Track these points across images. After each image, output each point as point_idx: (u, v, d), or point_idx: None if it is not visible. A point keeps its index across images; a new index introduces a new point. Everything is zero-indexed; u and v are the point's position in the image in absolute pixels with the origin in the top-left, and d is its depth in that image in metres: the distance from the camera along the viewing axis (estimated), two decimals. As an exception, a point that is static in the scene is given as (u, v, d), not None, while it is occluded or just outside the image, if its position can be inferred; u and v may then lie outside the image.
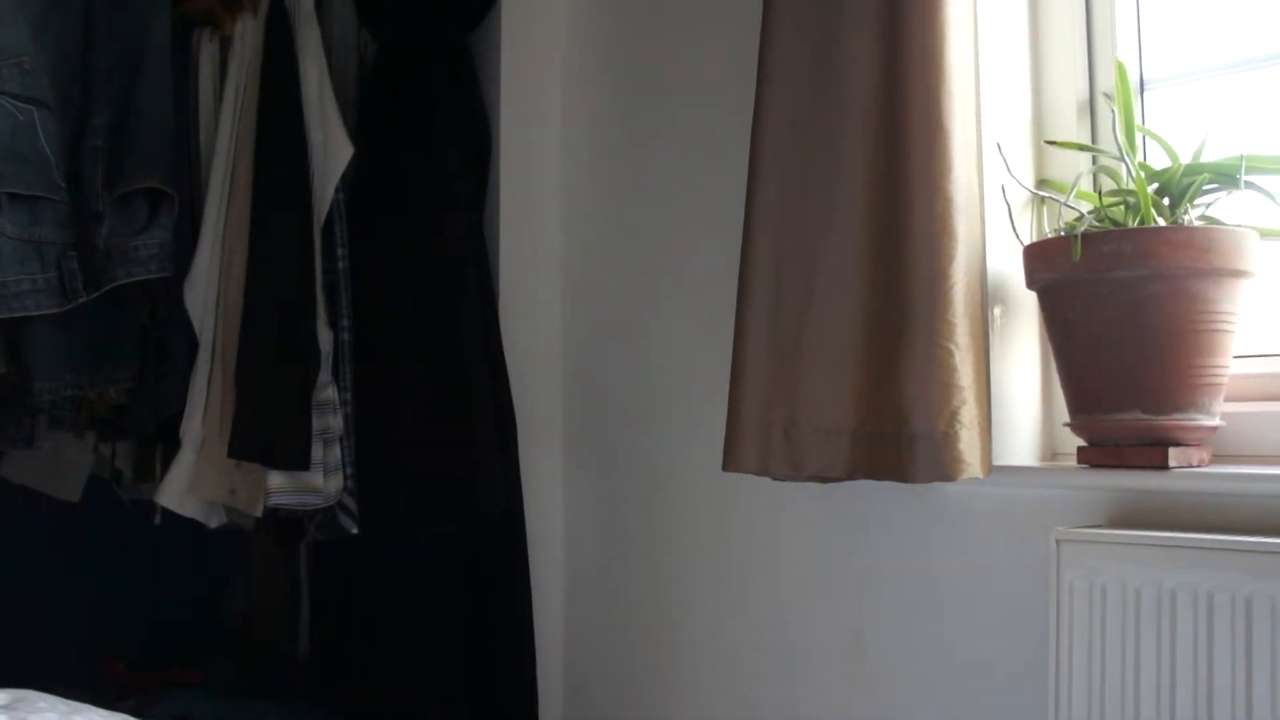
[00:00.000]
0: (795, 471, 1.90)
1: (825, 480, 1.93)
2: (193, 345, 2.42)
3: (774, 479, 1.97)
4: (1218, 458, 1.73)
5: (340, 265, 2.42)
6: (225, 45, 2.52)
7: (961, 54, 1.81)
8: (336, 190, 2.41)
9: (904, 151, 1.81)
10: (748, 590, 2.24)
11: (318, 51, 2.44)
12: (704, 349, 2.24)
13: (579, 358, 2.61)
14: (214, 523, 2.45)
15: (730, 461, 1.93)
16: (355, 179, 2.47)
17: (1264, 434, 1.74)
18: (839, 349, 1.85)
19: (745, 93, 1.99)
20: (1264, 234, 1.70)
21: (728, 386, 1.95)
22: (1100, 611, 1.63)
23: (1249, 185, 1.69)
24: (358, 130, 2.49)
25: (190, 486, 2.39)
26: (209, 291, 2.42)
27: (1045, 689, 1.69)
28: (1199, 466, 1.68)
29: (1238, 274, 1.66)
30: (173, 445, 2.43)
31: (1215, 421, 1.69)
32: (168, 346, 2.44)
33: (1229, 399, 1.72)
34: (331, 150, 2.41)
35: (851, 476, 1.86)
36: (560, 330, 2.63)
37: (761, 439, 1.90)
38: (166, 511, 2.41)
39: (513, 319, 2.54)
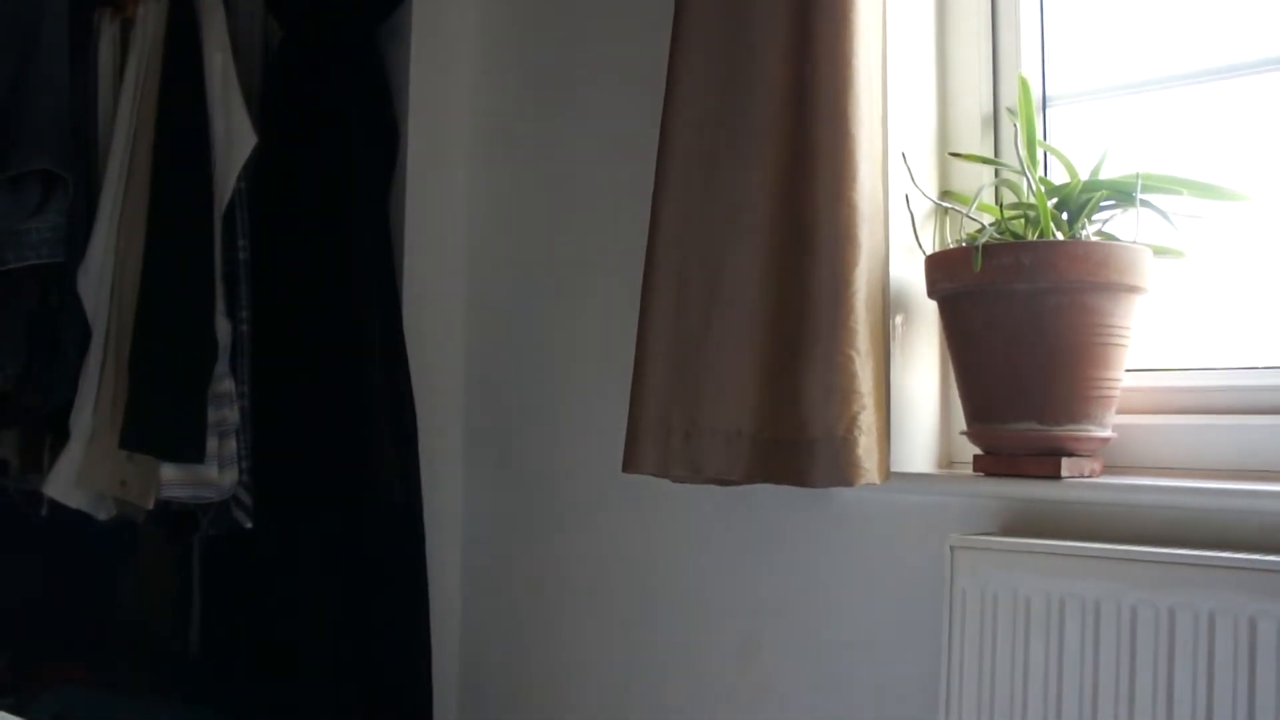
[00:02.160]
0: (694, 474, 1.90)
1: (724, 483, 1.93)
2: (85, 333, 2.36)
3: (673, 481, 1.96)
4: (1109, 468, 1.76)
5: (241, 256, 2.37)
6: (127, 27, 2.46)
7: (870, 65, 1.83)
8: (238, 179, 2.36)
9: (811, 159, 1.81)
10: (644, 592, 2.24)
11: (223, 37, 2.39)
12: (607, 350, 2.24)
13: (481, 356, 2.59)
14: (103, 515, 2.39)
15: (630, 463, 1.92)
16: (258, 168, 2.42)
17: (1154, 446, 1.77)
18: (741, 353, 1.86)
19: (656, 93, 1.98)
20: (1157, 251, 1.73)
21: (629, 388, 1.95)
22: (991, 618, 1.65)
23: (1144, 203, 1.73)
24: (262, 119, 2.45)
25: (79, 478, 2.33)
26: (104, 279, 2.36)
27: (937, 694, 1.71)
28: (1091, 477, 1.71)
29: (1132, 289, 1.70)
30: (62, 435, 2.36)
31: (1107, 433, 1.72)
32: (59, 334, 2.38)
33: (1121, 411, 1.75)
34: (234, 139, 2.36)
35: (750, 480, 1.87)
36: (463, 327, 2.60)
37: (662, 441, 1.90)
38: (55, 503, 2.35)
39: (415, 314, 2.51)
